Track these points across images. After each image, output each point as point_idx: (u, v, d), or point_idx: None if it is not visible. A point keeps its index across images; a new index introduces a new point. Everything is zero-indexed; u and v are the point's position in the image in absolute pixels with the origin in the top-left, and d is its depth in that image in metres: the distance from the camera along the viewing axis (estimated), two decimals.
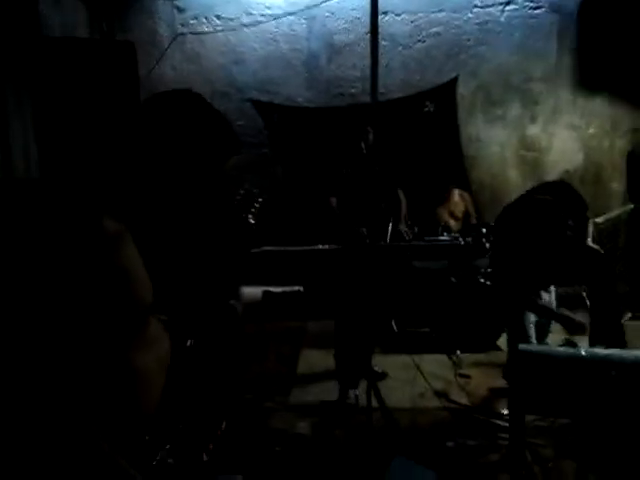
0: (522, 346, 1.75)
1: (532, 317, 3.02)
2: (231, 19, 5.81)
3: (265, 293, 5.15)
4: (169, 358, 0.78)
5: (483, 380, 3.56)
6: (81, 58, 3.09)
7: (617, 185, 5.80)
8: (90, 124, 2.93)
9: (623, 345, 2.56)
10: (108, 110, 3.03)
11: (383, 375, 3.60)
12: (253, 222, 1.85)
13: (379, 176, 3.06)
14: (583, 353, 1.63)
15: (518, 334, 2.77)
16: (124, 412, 0.66)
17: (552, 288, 3.24)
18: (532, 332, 2.96)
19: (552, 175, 5.94)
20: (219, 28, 5.82)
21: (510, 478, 2.47)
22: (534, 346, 1.73)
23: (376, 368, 3.53)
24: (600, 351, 1.65)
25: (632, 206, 4.49)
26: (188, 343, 1.28)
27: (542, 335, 3.22)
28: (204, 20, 5.83)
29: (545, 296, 3.21)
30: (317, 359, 3.99)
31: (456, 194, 5.05)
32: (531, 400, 1.85)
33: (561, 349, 1.71)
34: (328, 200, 3.08)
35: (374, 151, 3.08)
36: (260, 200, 1.78)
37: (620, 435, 1.76)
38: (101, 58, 3.14)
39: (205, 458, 1.25)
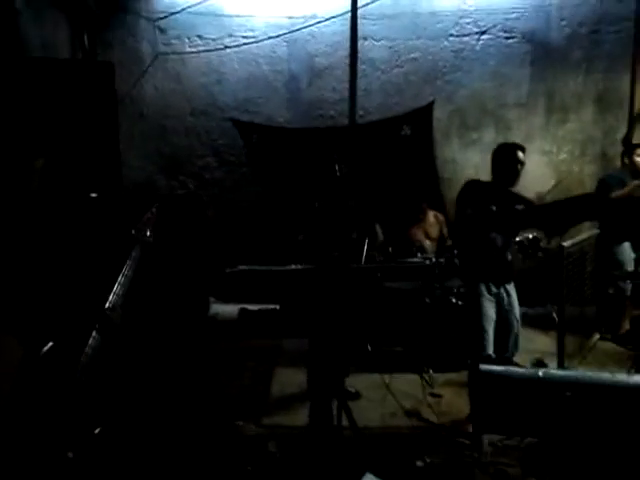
0: (482, 367, 1.81)
1: (492, 313, 3.12)
2: (213, 39, 5.91)
3: (242, 311, 5.16)
4: (14, 365, 0.81)
5: (454, 399, 3.60)
6: (60, 78, 3.12)
7: None
8: (68, 141, 2.95)
9: None
10: (87, 128, 3.06)
11: (357, 395, 3.62)
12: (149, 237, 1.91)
13: (353, 209, 3.13)
14: (540, 374, 1.70)
15: (477, 348, 2.85)
16: None
17: None
18: (489, 344, 3.06)
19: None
20: (201, 48, 5.91)
21: None
22: (494, 367, 1.79)
23: (350, 388, 3.55)
24: (557, 372, 1.72)
25: (598, 231, 4.63)
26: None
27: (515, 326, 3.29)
28: (186, 40, 5.92)
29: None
30: (291, 377, 4.00)
31: (431, 215, 5.15)
32: (492, 419, 1.90)
33: (519, 369, 1.77)
34: (296, 237, 3.15)
35: (348, 180, 3.14)
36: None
37: (577, 453, 1.83)
38: (80, 78, 3.18)
39: (70, 455, 1.28)
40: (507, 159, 3.28)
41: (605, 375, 1.67)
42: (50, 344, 1.31)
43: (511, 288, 3.35)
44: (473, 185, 3.39)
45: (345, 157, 3.05)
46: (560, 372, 1.72)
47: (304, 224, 3.12)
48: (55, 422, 1.31)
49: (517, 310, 3.33)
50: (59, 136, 2.96)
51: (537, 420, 1.76)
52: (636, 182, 4.30)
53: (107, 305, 1.70)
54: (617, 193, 4.32)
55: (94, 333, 1.62)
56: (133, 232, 1.85)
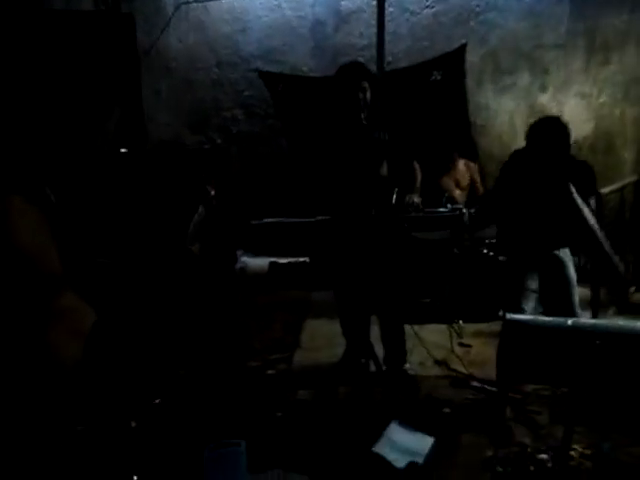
0: (509, 315, 1.78)
1: (533, 284, 3.00)
2: None
3: (272, 264, 5.21)
4: (85, 329, 0.81)
5: (483, 349, 3.59)
6: (80, 30, 3.09)
7: (629, 154, 5.71)
8: (88, 98, 2.94)
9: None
10: (108, 82, 3.03)
11: None
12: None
13: (389, 146, 3.03)
14: (569, 323, 1.66)
15: (513, 302, 2.79)
16: (36, 378, 0.70)
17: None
18: (530, 299, 2.95)
19: None
20: None
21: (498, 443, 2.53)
22: (521, 315, 1.76)
23: None
24: (586, 321, 1.68)
25: (636, 178, 4.42)
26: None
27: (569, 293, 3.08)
28: None
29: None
30: (320, 328, 4.05)
31: (461, 163, 5.02)
32: (520, 368, 1.89)
33: (547, 319, 1.73)
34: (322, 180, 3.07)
35: (378, 118, 3.04)
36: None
37: (605, 402, 1.80)
38: (100, 30, 3.14)
39: (134, 424, 1.30)
40: (540, 137, 2.97)
41: (636, 324, 1.62)
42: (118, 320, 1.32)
43: (561, 253, 3.07)
44: (515, 161, 3.14)
45: (366, 90, 2.90)
46: (589, 321, 1.67)
47: (328, 174, 3.05)
48: (120, 391, 1.34)
49: (570, 278, 3.09)
50: (80, 91, 2.95)
51: (566, 369, 1.74)
52: None
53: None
54: None
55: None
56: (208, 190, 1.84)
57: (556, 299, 3.03)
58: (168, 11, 5.77)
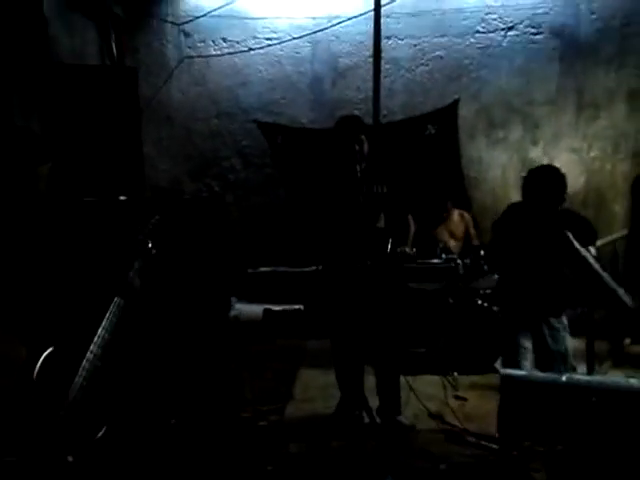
0: (504, 371, 1.77)
1: (528, 344, 2.95)
2: (237, 42, 5.96)
3: (266, 311, 5.18)
4: (15, 363, 0.82)
5: (479, 402, 3.54)
6: (87, 83, 3.20)
7: (619, 208, 5.80)
8: (94, 145, 3.02)
9: None
10: (111, 132, 3.12)
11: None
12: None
13: (384, 197, 3.08)
14: (563, 379, 1.65)
15: (510, 358, 2.76)
16: None
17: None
18: (526, 358, 2.90)
19: None
20: (226, 51, 5.97)
21: None
22: (516, 371, 1.74)
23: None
24: (581, 377, 1.67)
25: (627, 231, 4.48)
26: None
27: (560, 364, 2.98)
28: (211, 43, 5.99)
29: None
30: (315, 378, 4.00)
31: (456, 214, 5.09)
32: (518, 425, 1.86)
33: (542, 374, 1.72)
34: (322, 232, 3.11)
35: (374, 171, 3.10)
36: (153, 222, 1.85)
37: (602, 460, 1.77)
38: (105, 83, 3.25)
39: (70, 459, 1.26)
40: (537, 185, 2.98)
41: (632, 381, 1.61)
42: (51, 348, 1.32)
43: (557, 322, 3.01)
44: (511, 215, 3.14)
45: (363, 142, 2.98)
46: (584, 377, 1.66)
47: (325, 225, 3.09)
48: (57, 424, 1.32)
49: (566, 346, 3.02)
50: (84, 140, 3.02)
51: (561, 426, 1.72)
52: None
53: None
54: None
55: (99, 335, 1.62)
56: (139, 238, 1.86)
57: (550, 364, 2.96)
58: (171, 64, 5.98)
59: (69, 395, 1.35)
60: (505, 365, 2.87)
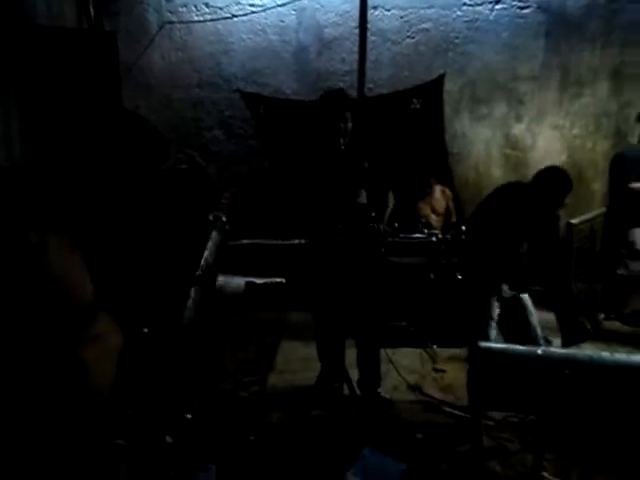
0: (481, 343, 1.81)
1: (495, 314, 3.06)
2: (220, 8, 5.80)
3: (248, 284, 5.18)
4: (118, 350, 0.83)
5: (458, 374, 3.61)
6: (63, 47, 3.08)
7: (599, 186, 5.88)
8: (71, 114, 2.93)
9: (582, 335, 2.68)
10: (89, 98, 3.03)
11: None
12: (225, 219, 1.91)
13: (366, 172, 3.07)
14: (539, 352, 1.70)
15: (479, 329, 2.83)
16: (75, 399, 0.71)
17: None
18: (493, 327, 3.00)
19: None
20: (208, 17, 5.81)
21: (473, 468, 2.54)
22: (493, 343, 1.78)
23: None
24: (555, 350, 1.72)
25: (605, 209, 4.56)
26: (145, 330, 1.32)
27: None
28: (193, 8, 5.81)
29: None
30: (296, 350, 4.04)
31: (438, 190, 5.11)
32: (491, 396, 1.91)
33: (518, 347, 1.77)
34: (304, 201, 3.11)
35: (358, 146, 3.09)
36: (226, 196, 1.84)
37: (574, 431, 1.83)
38: (83, 48, 3.14)
39: (169, 440, 1.29)
40: (555, 195, 3.14)
41: (604, 354, 1.67)
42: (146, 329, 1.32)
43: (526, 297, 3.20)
44: (504, 196, 3.27)
45: (347, 120, 2.97)
46: (559, 350, 1.71)
47: (307, 198, 3.08)
48: (157, 405, 1.33)
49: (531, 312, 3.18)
50: (60, 106, 2.93)
51: (535, 397, 1.77)
52: None
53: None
54: (637, 186, 4.24)
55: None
56: (211, 217, 1.87)
57: (516, 329, 3.10)
58: (152, 29, 5.80)
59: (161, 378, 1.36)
60: (473, 332, 2.94)
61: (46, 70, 2.99)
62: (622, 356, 1.68)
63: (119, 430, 1.09)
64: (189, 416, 1.44)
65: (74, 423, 0.74)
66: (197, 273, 1.73)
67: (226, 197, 2.02)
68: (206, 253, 1.76)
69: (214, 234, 1.81)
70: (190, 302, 1.61)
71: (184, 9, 5.81)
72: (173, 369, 1.45)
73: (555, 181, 3.16)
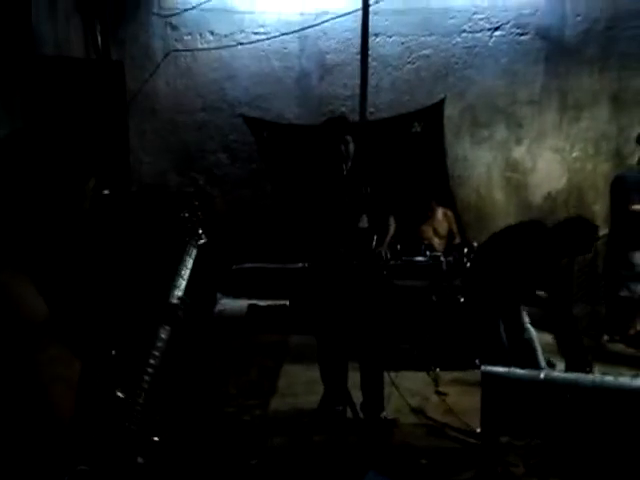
0: (484, 368, 1.82)
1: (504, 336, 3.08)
2: (225, 35, 5.94)
3: (250, 307, 5.19)
4: (75, 374, 0.84)
5: (460, 398, 3.59)
6: (72, 76, 3.16)
7: (600, 208, 5.91)
8: (79, 139, 2.98)
9: (584, 363, 2.68)
10: (97, 126, 3.09)
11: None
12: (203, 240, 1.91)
13: (367, 197, 3.11)
14: (542, 376, 1.70)
15: (491, 352, 2.84)
16: (32, 422, 0.72)
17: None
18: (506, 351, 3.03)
19: (536, 197, 6.07)
20: (212, 44, 5.94)
21: None
22: (497, 368, 1.79)
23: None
24: (558, 374, 1.72)
25: (607, 231, 4.57)
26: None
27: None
28: (198, 36, 5.95)
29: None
30: (299, 373, 4.01)
31: (440, 212, 5.14)
32: (499, 420, 1.91)
33: (521, 371, 1.77)
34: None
35: (359, 171, 3.13)
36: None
37: (578, 454, 1.82)
38: (91, 76, 3.21)
39: (140, 461, 1.29)
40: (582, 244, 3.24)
41: (607, 378, 1.67)
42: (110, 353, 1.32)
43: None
44: (526, 234, 3.35)
45: (349, 143, 3.02)
46: (561, 374, 1.72)
47: (310, 222, 3.11)
48: (123, 430, 1.32)
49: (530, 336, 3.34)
50: (69, 134, 2.97)
51: (539, 421, 1.77)
52: None
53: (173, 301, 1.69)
54: (638, 207, 4.28)
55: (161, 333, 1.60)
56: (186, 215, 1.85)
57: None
58: (157, 57, 5.93)
59: (135, 400, 1.35)
60: (489, 358, 2.95)
61: (54, 100, 3.05)
62: (625, 380, 1.68)
63: (82, 455, 1.08)
64: (156, 439, 1.43)
65: (32, 447, 0.75)
66: (171, 303, 1.69)
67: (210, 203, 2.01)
68: (181, 282, 1.73)
69: (187, 259, 1.79)
70: (158, 344, 1.57)
71: (189, 37, 5.95)
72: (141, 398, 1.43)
73: (582, 232, 3.23)
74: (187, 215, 1.91)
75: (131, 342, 1.48)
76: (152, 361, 1.51)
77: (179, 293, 1.71)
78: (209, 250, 2.10)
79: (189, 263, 1.80)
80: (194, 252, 1.84)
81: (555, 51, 5.85)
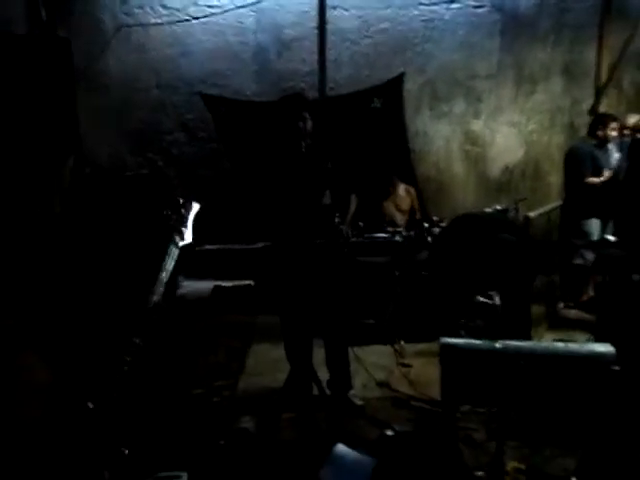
0: (443, 339, 1.87)
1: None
2: (177, 10, 5.74)
3: (215, 288, 5.15)
4: (46, 384, 0.82)
5: (424, 369, 3.68)
6: (15, 54, 2.99)
7: (555, 179, 6.07)
8: (23, 119, 2.85)
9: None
10: (43, 106, 2.96)
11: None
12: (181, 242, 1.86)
13: (330, 173, 3.10)
14: (497, 346, 1.76)
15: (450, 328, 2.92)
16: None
17: None
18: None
19: (495, 169, 6.19)
20: (165, 19, 5.74)
21: (444, 463, 2.60)
22: (456, 339, 1.85)
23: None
24: (512, 343, 1.79)
25: (561, 202, 4.71)
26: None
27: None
28: (149, 10, 5.73)
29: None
30: (266, 353, 4.04)
31: (402, 188, 5.18)
32: (457, 390, 1.97)
33: (478, 342, 1.83)
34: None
35: (320, 147, 3.11)
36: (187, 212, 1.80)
37: (533, 418, 1.91)
38: (36, 54, 3.06)
39: (126, 452, 1.28)
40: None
41: (558, 345, 1.74)
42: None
43: None
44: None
45: (306, 119, 2.99)
46: (516, 343, 1.79)
47: (271, 201, 3.09)
48: (89, 442, 1.29)
49: None
50: (14, 115, 2.85)
51: (496, 389, 1.83)
52: (608, 174, 4.38)
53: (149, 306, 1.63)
54: (592, 180, 4.40)
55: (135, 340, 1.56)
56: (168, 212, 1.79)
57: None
58: (108, 33, 5.69)
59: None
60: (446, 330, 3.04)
61: None
62: (574, 346, 1.76)
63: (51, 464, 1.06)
64: (126, 451, 1.42)
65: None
66: (148, 309, 1.66)
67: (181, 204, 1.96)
68: (159, 288, 1.70)
69: (167, 261, 1.75)
70: (131, 351, 1.55)
71: (140, 11, 5.73)
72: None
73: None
74: (169, 213, 1.85)
75: (104, 347, 1.46)
76: (125, 368, 1.49)
77: (156, 298, 1.68)
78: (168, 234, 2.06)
79: (170, 265, 1.75)
80: (176, 253, 1.80)
81: (510, 24, 5.91)
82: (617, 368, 1.63)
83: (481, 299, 3.22)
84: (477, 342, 1.83)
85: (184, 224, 1.85)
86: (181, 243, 1.83)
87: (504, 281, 2.93)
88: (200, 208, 1.89)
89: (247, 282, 5.08)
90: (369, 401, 3.29)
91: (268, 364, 3.83)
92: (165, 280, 1.72)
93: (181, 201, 1.87)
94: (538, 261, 3.17)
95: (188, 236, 1.84)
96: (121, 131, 5.90)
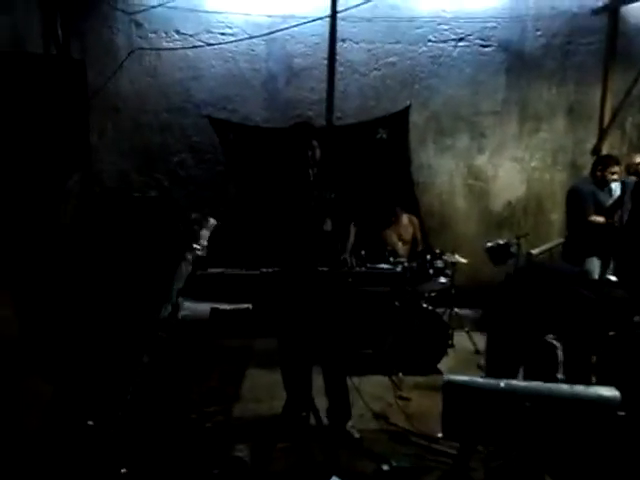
0: (447, 377, 1.85)
1: None
2: (190, 35, 5.85)
3: (213, 310, 5.12)
4: (44, 398, 0.82)
5: (422, 402, 3.64)
6: (30, 73, 3.04)
7: (557, 216, 6.12)
8: (35, 134, 2.88)
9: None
10: (56, 125, 2.99)
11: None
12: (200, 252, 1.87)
13: (332, 202, 3.11)
14: (502, 385, 1.74)
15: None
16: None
17: None
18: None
19: (497, 204, 6.23)
20: (178, 44, 5.84)
21: None
22: (459, 377, 1.83)
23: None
24: (517, 383, 1.77)
25: (562, 240, 4.73)
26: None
27: None
28: (163, 35, 5.84)
29: None
30: (262, 378, 4.00)
31: (405, 218, 5.20)
32: (460, 428, 1.94)
33: (482, 380, 1.81)
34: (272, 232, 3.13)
35: (325, 176, 3.14)
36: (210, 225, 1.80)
37: (536, 461, 1.88)
38: (51, 74, 3.10)
39: (123, 471, 1.25)
40: None
41: (564, 387, 1.73)
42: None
43: None
44: None
45: (315, 148, 3.02)
46: (521, 383, 1.76)
47: (275, 226, 3.10)
48: (87, 459, 1.28)
49: None
50: (27, 133, 2.88)
51: (499, 428, 1.81)
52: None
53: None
54: (596, 219, 4.43)
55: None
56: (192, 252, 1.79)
57: None
58: (121, 55, 5.79)
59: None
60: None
61: (11, 97, 2.93)
62: (580, 388, 1.75)
63: None
64: (124, 470, 1.41)
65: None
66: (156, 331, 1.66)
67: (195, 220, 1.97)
68: (167, 307, 1.70)
69: (179, 277, 1.75)
70: (139, 371, 1.54)
71: (154, 35, 5.84)
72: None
73: None
74: (182, 229, 1.85)
75: (112, 364, 1.45)
76: (132, 387, 1.48)
77: (166, 313, 1.68)
78: (173, 254, 2.05)
79: (181, 282, 1.75)
80: (189, 269, 1.79)
81: (516, 63, 6.02)
82: (622, 413, 1.61)
83: (549, 339, 3.15)
84: (481, 380, 1.81)
85: (196, 240, 1.85)
86: (191, 256, 1.83)
87: (574, 334, 2.87)
88: (218, 224, 1.89)
89: (245, 306, 5.05)
90: (365, 433, 3.25)
91: (264, 390, 3.79)
92: (173, 300, 1.72)
93: (193, 216, 1.88)
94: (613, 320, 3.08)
95: (202, 251, 1.84)
96: (130, 152, 5.95)
